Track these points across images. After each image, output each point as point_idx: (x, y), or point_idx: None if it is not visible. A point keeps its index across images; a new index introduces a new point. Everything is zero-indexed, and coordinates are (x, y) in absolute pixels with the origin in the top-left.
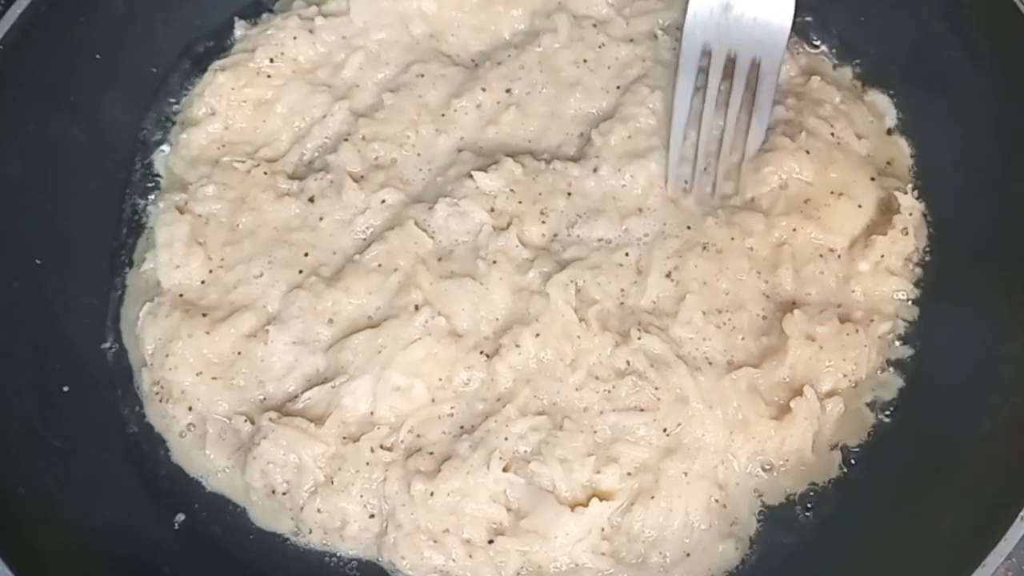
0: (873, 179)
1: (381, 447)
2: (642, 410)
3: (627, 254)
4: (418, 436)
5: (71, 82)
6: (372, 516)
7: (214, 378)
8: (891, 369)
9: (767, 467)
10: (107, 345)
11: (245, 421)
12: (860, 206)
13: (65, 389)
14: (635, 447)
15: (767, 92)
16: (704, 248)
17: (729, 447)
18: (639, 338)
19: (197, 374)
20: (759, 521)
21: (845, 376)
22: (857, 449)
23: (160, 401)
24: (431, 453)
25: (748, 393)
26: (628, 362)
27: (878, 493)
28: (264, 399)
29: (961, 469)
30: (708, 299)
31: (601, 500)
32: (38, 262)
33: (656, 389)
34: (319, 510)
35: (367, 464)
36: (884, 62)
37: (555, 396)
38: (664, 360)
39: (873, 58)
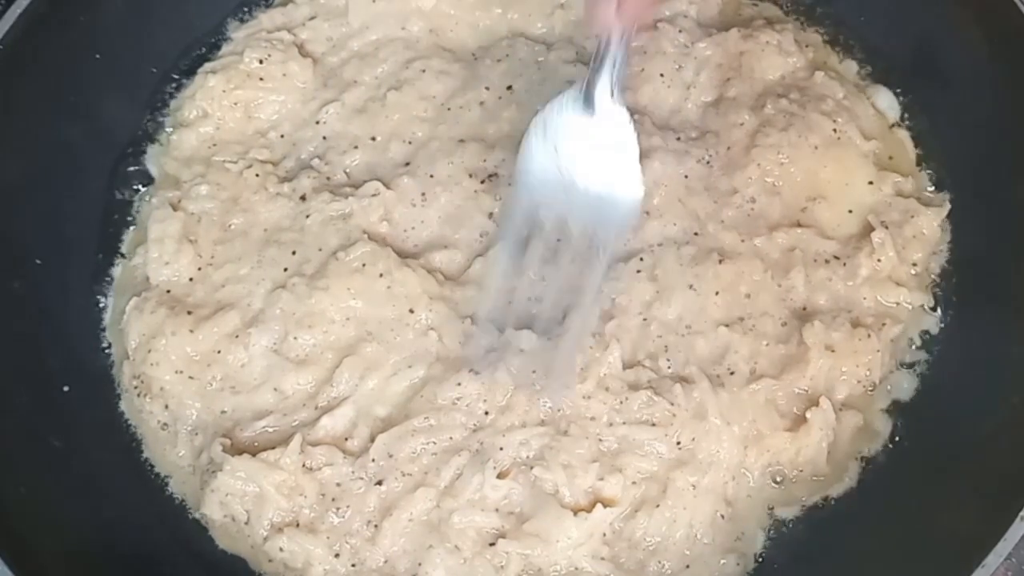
0: (871, 183)
1: (354, 472)
2: (654, 425)
3: (642, 259)
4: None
5: (71, 82)
6: (337, 555)
7: (191, 378)
8: (904, 371)
9: (779, 479)
10: (107, 345)
11: (210, 444)
12: (851, 211)
13: (65, 389)
14: (643, 459)
15: (598, 269)
16: (717, 253)
17: (743, 463)
18: (655, 352)
19: (176, 372)
20: (765, 533)
21: (859, 382)
22: (866, 454)
23: (138, 396)
24: (420, 468)
25: (764, 406)
26: (644, 376)
27: (877, 494)
28: (228, 411)
29: (961, 469)
30: (729, 307)
31: (605, 506)
32: (38, 262)
33: (671, 404)
34: (281, 548)
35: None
36: (887, 57)
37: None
38: (684, 375)
39: (877, 53)
